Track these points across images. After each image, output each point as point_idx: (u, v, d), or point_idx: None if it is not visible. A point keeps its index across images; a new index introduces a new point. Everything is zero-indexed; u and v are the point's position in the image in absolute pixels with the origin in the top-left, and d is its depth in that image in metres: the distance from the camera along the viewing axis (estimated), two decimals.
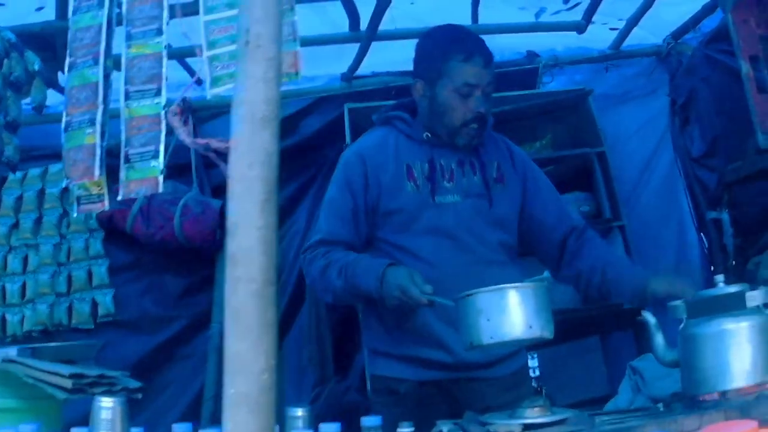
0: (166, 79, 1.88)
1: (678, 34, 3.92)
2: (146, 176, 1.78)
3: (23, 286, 3.77)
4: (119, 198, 1.84)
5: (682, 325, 1.77)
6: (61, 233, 3.79)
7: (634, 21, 3.70)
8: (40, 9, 3.13)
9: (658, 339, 1.88)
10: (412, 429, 1.61)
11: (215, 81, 1.80)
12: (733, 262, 3.19)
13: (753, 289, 1.73)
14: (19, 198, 3.82)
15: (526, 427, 1.66)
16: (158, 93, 1.82)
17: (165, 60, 1.85)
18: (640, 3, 3.54)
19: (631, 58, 4.07)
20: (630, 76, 4.11)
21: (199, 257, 3.77)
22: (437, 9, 3.42)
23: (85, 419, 1.62)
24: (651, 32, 3.94)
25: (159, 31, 1.83)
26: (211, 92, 1.81)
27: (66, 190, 3.63)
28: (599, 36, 3.90)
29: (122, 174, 1.80)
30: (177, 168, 3.62)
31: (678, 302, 1.80)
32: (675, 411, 1.76)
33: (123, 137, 1.84)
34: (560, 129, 3.99)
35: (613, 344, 3.78)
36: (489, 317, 1.81)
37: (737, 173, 3.22)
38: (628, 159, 4.03)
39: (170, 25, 1.86)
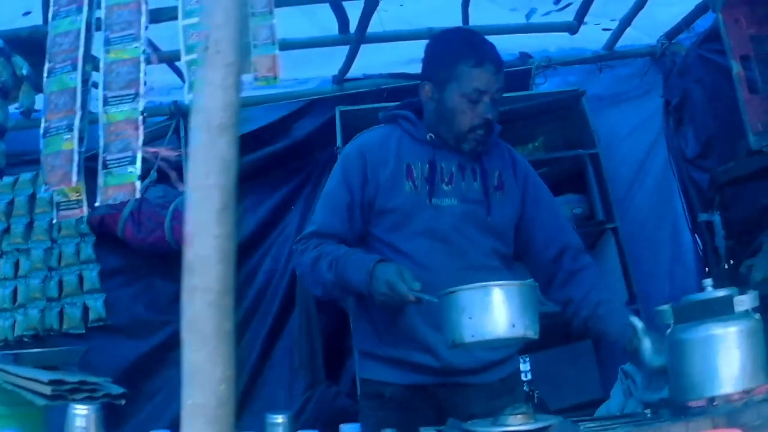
0: (146, 84, 1.86)
1: (672, 34, 3.89)
2: (123, 182, 1.76)
3: (14, 291, 3.76)
4: (96, 204, 1.82)
5: (669, 330, 1.74)
6: (52, 238, 3.79)
7: (627, 21, 3.67)
8: (27, 14, 3.11)
9: (646, 344, 1.86)
10: None
11: (193, 85, 1.78)
12: (726, 265, 3.15)
13: (742, 293, 1.70)
14: (11, 202, 3.82)
15: None
16: (136, 98, 1.80)
17: (143, 65, 1.83)
18: (632, 3, 3.51)
19: (624, 59, 4.05)
20: (624, 76, 4.08)
21: None
22: (427, 11, 3.40)
23: None
24: (644, 32, 3.91)
25: (137, 37, 1.81)
26: (189, 97, 1.80)
27: None
28: (592, 37, 3.88)
29: (100, 180, 1.79)
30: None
31: (665, 306, 1.77)
32: (662, 418, 1.73)
33: (101, 143, 1.83)
34: (553, 130, 3.96)
35: (606, 348, 3.74)
36: (471, 315, 1.76)
37: (729, 175, 3.19)
38: (621, 160, 4.00)
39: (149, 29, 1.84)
